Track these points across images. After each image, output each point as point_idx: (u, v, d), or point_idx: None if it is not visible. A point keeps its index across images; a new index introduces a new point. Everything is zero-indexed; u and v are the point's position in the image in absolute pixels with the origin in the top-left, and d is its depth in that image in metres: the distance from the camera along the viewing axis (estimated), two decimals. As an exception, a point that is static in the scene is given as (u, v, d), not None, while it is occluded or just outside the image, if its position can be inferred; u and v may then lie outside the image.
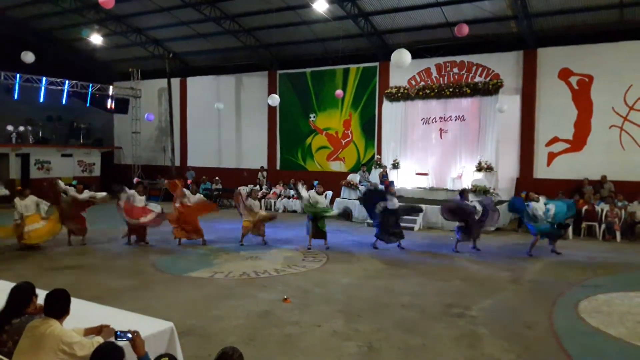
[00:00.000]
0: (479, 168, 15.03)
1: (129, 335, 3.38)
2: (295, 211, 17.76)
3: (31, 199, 11.11)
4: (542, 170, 15.74)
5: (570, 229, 12.88)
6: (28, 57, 14.92)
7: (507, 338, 5.92)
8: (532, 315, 6.73)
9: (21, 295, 3.81)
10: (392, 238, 11.18)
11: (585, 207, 13.36)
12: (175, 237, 11.61)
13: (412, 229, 13.73)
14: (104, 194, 12.26)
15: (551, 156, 15.64)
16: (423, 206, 14.24)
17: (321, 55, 19.41)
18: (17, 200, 11.08)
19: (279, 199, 18.72)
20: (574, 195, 14.04)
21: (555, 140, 15.56)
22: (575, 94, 15.18)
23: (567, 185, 14.61)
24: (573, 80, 15.19)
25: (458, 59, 16.83)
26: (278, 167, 20.83)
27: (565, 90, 15.27)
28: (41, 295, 3.82)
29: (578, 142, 15.21)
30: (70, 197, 11.38)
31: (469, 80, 16.40)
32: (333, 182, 17.19)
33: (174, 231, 11.58)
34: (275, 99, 16.46)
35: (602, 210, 13.19)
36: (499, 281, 8.65)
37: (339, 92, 17.74)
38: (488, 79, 15.97)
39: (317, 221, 11.26)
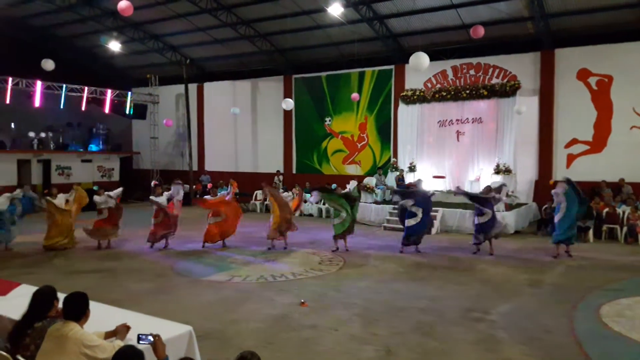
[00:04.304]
0: (497, 170, 14.89)
1: (150, 338, 3.41)
2: (311, 215, 17.78)
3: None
4: (561, 173, 15.42)
5: (591, 232, 12.71)
6: (48, 64, 15.25)
7: (527, 343, 5.84)
8: (553, 320, 6.64)
9: (43, 299, 3.88)
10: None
11: (606, 210, 13.15)
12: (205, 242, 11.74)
13: (429, 232, 13.63)
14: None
15: (570, 158, 15.42)
16: (440, 209, 14.15)
17: (336, 59, 19.43)
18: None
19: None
20: (594, 197, 13.82)
21: (574, 141, 15.34)
22: (594, 94, 14.96)
23: (587, 187, 14.36)
24: (592, 80, 14.97)
25: (474, 60, 16.70)
26: (294, 171, 20.88)
27: (584, 91, 15.06)
28: (62, 299, 3.88)
29: (598, 143, 14.98)
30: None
31: (486, 82, 16.27)
32: (349, 186, 17.12)
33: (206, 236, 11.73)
34: (289, 103, 16.50)
35: (623, 212, 12.98)
36: (518, 285, 8.55)
37: (354, 95, 17.73)
38: (505, 80, 15.84)
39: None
